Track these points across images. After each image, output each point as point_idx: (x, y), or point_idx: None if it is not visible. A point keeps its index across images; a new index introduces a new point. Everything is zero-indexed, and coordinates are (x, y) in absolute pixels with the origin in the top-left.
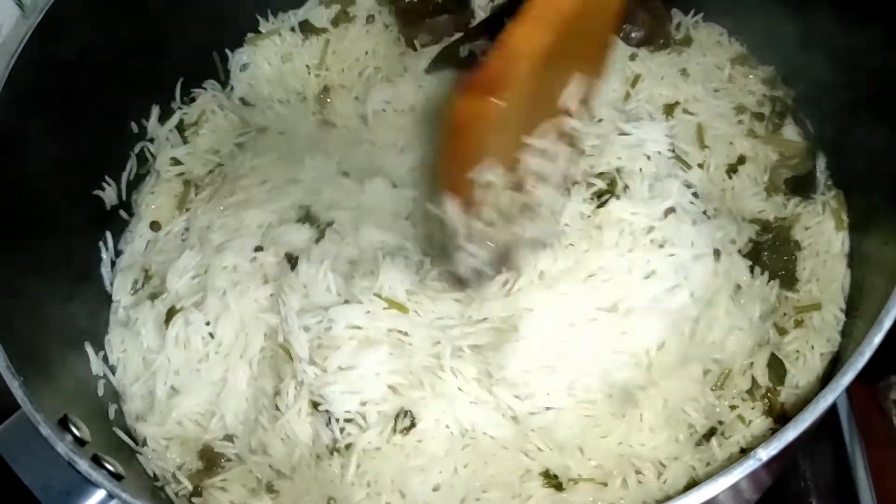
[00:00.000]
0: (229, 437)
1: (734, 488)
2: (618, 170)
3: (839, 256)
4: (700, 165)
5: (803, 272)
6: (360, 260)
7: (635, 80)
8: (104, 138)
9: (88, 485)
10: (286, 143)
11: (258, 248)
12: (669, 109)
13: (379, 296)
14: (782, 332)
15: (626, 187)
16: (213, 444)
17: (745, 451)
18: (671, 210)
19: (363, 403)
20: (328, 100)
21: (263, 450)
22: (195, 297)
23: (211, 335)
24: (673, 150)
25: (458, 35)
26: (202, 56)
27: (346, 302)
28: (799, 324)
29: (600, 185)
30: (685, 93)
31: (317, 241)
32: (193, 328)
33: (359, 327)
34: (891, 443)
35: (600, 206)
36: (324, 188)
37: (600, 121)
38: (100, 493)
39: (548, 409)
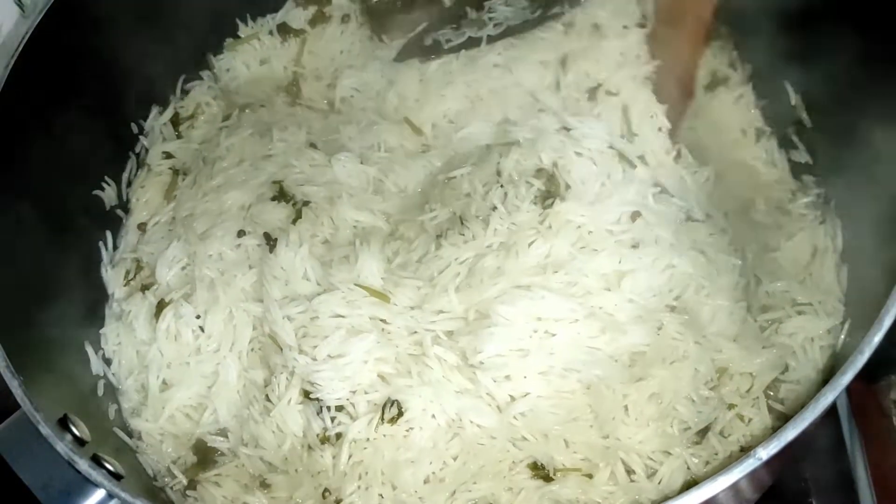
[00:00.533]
0: (222, 432)
1: (734, 487)
2: (555, 164)
3: (833, 249)
4: (640, 158)
5: (796, 264)
6: (335, 243)
7: (564, 60)
8: (105, 139)
9: (88, 484)
10: (261, 119)
11: (241, 233)
12: (593, 94)
13: (359, 285)
14: (779, 324)
15: (567, 187)
16: (205, 438)
17: (745, 450)
18: (637, 214)
19: (353, 392)
20: (300, 88)
21: (255, 443)
22: (185, 288)
23: (201, 328)
24: (612, 147)
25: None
26: (197, 57)
27: (326, 291)
28: (799, 315)
29: (538, 185)
30: (604, 66)
31: (294, 221)
32: (184, 321)
33: (342, 316)
34: (891, 443)
35: (546, 207)
36: (294, 161)
37: (541, 111)
38: (99, 493)
39: (526, 395)
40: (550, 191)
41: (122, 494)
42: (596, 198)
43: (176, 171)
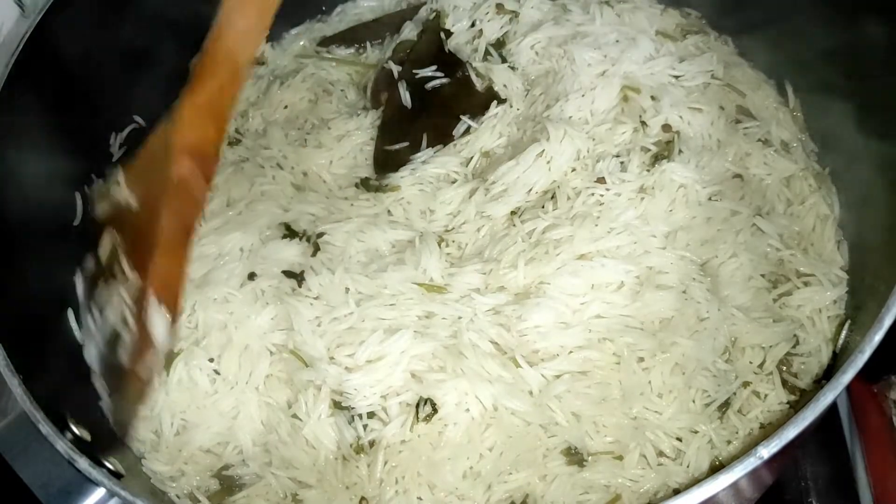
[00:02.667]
0: (247, 461)
1: (734, 486)
2: (677, 133)
3: (833, 217)
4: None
5: (802, 228)
6: (368, 261)
7: None
8: (104, 140)
9: (88, 483)
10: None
11: (252, 276)
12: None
13: (417, 283)
14: (787, 296)
15: (680, 152)
16: (229, 469)
17: (763, 427)
18: (738, 176)
19: (384, 396)
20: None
21: (287, 464)
22: (192, 336)
23: (216, 371)
24: (714, 78)
25: None
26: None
27: (371, 297)
28: (805, 287)
29: (655, 150)
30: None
31: (313, 254)
32: (197, 367)
33: (384, 318)
34: (891, 443)
35: (650, 167)
36: (292, 202)
37: (652, 58)
38: (99, 492)
39: (558, 376)
40: (665, 154)
41: (123, 493)
42: (702, 156)
43: None
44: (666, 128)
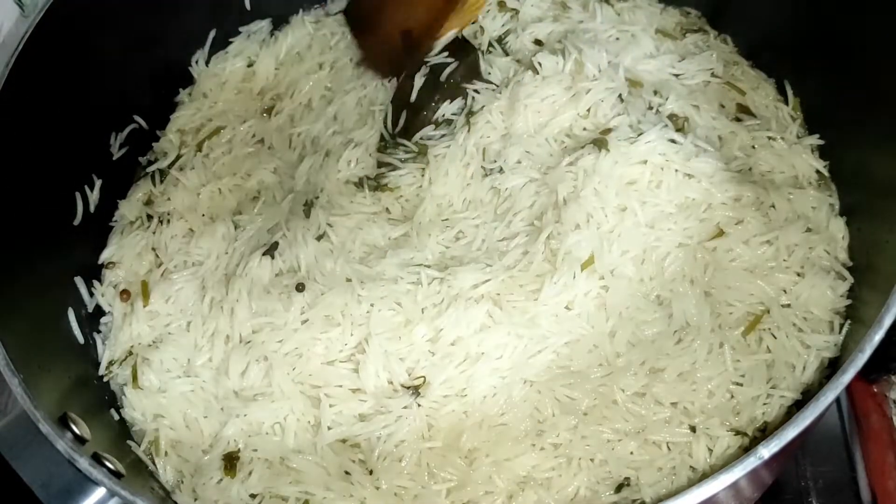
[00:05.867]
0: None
1: (734, 486)
2: (686, 119)
3: (830, 217)
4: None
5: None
6: (366, 255)
7: None
8: (104, 140)
9: (88, 483)
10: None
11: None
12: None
13: (422, 265)
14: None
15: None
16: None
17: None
18: (739, 174)
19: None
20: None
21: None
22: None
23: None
24: (714, 76)
25: None
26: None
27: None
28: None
29: (672, 125)
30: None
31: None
32: (166, 368)
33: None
34: (891, 443)
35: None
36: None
37: (653, 56)
38: (100, 491)
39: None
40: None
41: (123, 492)
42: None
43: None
44: (673, 116)
